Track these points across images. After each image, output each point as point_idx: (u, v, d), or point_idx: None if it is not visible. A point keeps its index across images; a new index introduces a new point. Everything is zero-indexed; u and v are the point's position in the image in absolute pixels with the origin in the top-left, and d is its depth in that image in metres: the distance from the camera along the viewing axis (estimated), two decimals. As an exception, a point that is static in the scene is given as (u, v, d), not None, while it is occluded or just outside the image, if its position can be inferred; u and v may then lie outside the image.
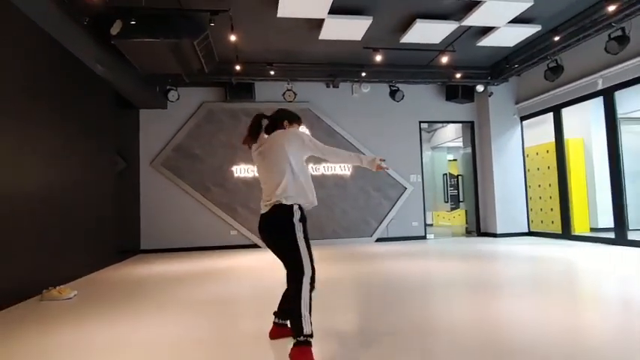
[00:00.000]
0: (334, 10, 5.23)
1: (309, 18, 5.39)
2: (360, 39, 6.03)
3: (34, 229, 4.15)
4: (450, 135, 11.09)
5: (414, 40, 6.18)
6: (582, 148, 8.55)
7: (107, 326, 2.97)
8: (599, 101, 6.68)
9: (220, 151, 7.85)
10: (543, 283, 3.94)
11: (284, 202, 2.27)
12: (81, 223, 5.24)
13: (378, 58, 6.52)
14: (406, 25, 5.82)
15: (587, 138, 8.48)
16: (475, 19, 5.51)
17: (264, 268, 5.43)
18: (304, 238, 2.27)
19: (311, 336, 2.09)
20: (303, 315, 2.08)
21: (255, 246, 7.77)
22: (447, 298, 3.57)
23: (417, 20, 5.56)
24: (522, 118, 8.47)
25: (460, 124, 9.30)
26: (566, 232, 7.43)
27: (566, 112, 7.61)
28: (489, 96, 8.27)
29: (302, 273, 2.16)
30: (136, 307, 3.50)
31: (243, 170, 7.86)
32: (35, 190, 4.22)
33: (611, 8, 5.07)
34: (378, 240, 8.09)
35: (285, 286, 2.33)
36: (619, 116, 8.23)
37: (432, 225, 12.73)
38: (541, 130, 8.31)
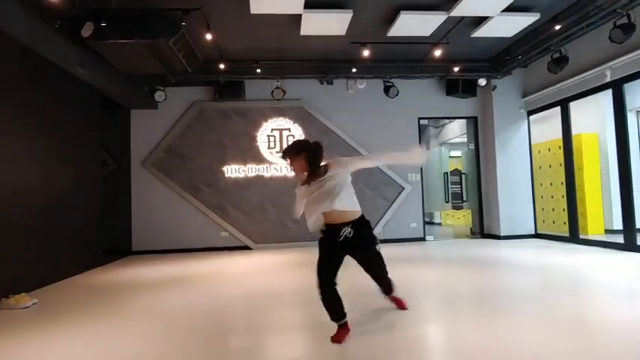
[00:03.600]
0: (310, 5, 4.97)
1: (285, 13, 5.15)
2: (344, 34, 5.74)
3: (9, 230, 4.13)
4: (457, 130, 10.62)
5: (403, 34, 5.83)
6: (597, 144, 7.99)
7: (53, 339, 2.88)
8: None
9: (211, 151, 7.73)
10: (545, 300, 3.55)
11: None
12: (62, 225, 5.22)
13: (366, 53, 6.20)
14: (391, 18, 5.48)
15: (602, 133, 7.90)
16: (464, 8, 5.13)
17: (249, 273, 5.30)
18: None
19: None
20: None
21: (246, 247, 7.64)
22: (440, 316, 3.29)
23: (402, 12, 5.22)
24: (529, 113, 7.96)
25: (465, 120, 8.85)
26: (573, 236, 6.94)
27: (579, 106, 7.09)
28: (493, 90, 7.80)
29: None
30: (94, 318, 3.42)
31: (234, 170, 7.72)
32: (10, 193, 4.19)
33: (613, -7, 4.60)
34: (374, 242, 7.80)
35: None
36: (637, 109, 7.65)
37: (440, 224, 12.32)
38: (554, 124, 7.75)
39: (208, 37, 5.38)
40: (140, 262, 6.63)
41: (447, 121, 11.38)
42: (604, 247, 6.30)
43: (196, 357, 2.54)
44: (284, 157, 2.81)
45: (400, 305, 3.24)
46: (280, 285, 4.58)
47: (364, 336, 2.72)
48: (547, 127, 8.05)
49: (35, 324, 3.32)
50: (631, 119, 7.37)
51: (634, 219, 5.75)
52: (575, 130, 7.33)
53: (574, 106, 7.07)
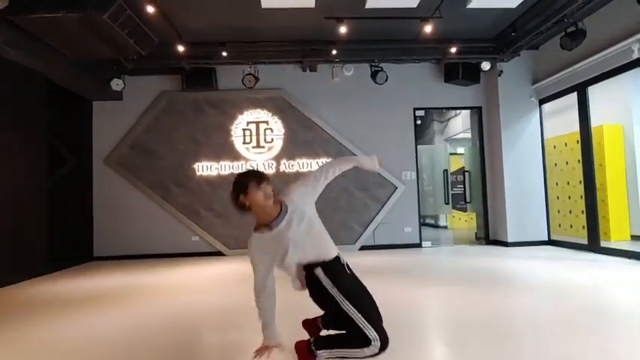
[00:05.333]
0: (265, -33, 4.15)
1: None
2: (313, 6, 4.89)
3: None
4: (460, 125, 9.63)
5: (384, 5, 4.95)
6: (622, 137, 6.93)
7: None
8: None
9: (181, 147, 6.97)
10: (566, 339, 2.57)
11: None
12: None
13: (343, 29, 5.33)
14: (367, -16, 4.62)
15: (628, 124, 6.84)
16: (453, -32, 4.22)
17: (213, 285, 4.49)
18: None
19: None
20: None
21: (219, 253, 6.86)
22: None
23: (377, -25, 4.36)
24: (541, 102, 6.94)
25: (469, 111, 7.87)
26: (593, 243, 5.91)
27: (600, 92, 6.08)
28: (499, 75, 6.79)
29: None
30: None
31: (206, 168, 6.94)
32: None
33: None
34: (362, 248, 6.91)
35: None
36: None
37: (446, 227, 11.30)
38: (572, 115, 6.68)
39: (150, 9, 4.60)
40: (96, 269, 5.93)
41: (453, 114, 10.41)
42: (629, 257, 5.26)
43: None
44: (262, 180, 1.99)
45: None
46: (239, 302, 3.75)
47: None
48: (564, 118, 7.00)
49: None
50: (662, 107, 6.35)
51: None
52: (596, 122, 6.29)
53: (594, 93, 6.04)
